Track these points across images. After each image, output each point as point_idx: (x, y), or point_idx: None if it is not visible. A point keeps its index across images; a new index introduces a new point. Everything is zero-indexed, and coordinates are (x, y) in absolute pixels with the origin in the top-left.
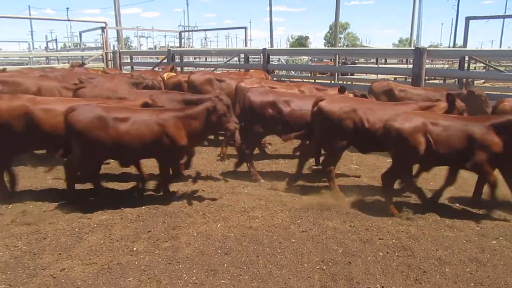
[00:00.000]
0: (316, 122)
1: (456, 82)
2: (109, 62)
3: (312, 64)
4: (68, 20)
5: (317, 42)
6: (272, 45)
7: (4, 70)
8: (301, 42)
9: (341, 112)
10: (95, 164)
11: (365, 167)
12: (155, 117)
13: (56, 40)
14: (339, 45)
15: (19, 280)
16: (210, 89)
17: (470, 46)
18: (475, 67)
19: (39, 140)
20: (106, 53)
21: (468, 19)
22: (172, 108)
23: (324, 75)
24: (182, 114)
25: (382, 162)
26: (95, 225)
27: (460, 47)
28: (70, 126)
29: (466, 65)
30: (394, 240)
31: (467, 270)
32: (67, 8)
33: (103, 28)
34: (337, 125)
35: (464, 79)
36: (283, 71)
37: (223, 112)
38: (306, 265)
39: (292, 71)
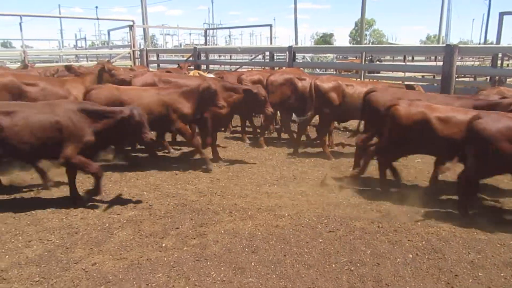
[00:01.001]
0: None
1: (488, 80)
2: (136, 60)
3: (338, 61)
4: (97, 18)
5: (342, 39)
6: (296, 43)
7: (57, 71)
8: (325, 39)
9: None
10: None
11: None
12: None
13: (85, 38)
14: (365, 42)
15: (53, 273)
16: (288, 90)
17: (503, 43)
18: (508, 64)
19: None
20: (133, 51)
21: (502, 14)
22: None
23: (349, 73)
24: None
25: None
26: (125, 221)
27: (491, 43)
28: (476, 134)
29: (499, 62)
30: (423, 242)
31: (502, 275)
32: (96, 7)
33: (130, 27)
34: None
35: (497, 77)
36: (309, 69)
37: None
38: (334, 265)
39: (317, 69)
